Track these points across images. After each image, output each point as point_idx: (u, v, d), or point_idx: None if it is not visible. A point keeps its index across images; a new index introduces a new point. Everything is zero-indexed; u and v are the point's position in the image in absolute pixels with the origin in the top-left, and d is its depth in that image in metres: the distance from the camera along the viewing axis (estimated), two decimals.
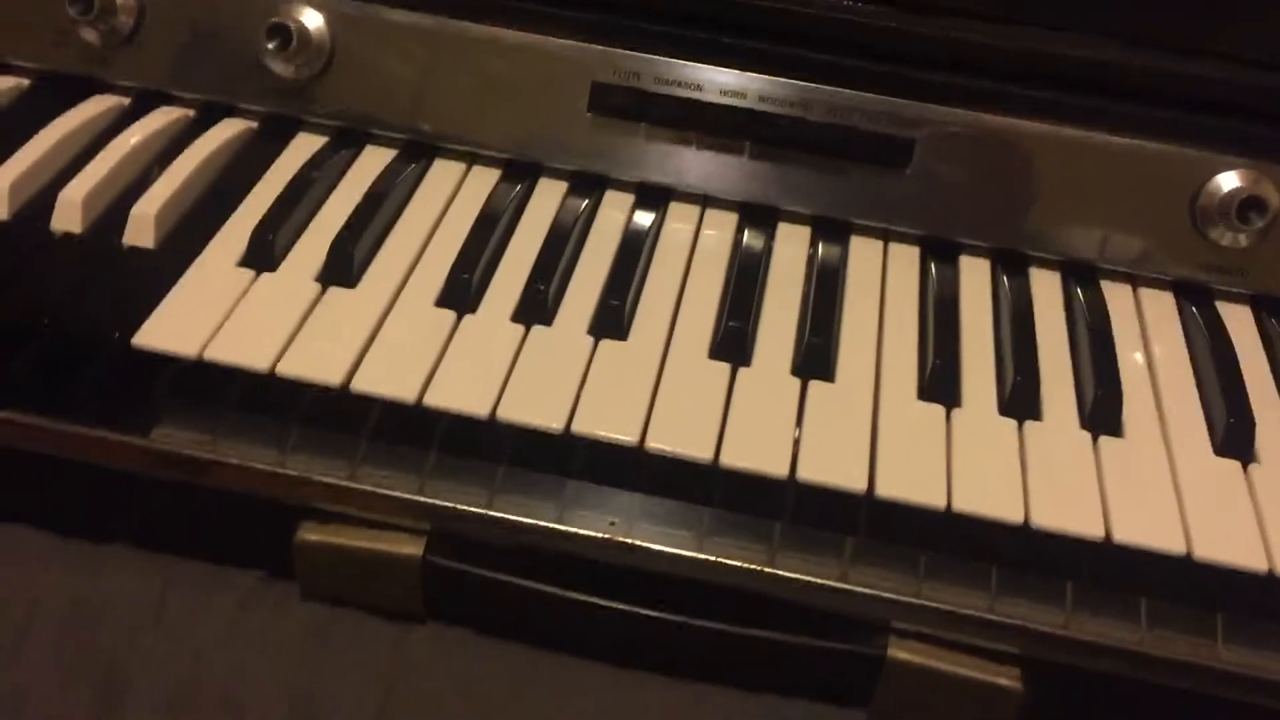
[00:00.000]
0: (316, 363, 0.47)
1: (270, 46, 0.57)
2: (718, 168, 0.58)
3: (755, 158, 0.58)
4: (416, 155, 0.60)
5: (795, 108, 0.57)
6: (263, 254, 0.52)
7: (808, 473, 0.45)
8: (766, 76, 0.57)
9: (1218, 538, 0.44)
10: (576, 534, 0.46)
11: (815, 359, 0.50)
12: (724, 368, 0.50)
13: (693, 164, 0.58)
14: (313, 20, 0.58)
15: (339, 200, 0.56)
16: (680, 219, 0.58)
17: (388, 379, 0.47)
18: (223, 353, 0.48)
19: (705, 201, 0.59)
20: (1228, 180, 0.54)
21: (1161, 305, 0.56)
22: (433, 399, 0.47)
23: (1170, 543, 0.44)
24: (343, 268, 0.52)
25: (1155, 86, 0.55)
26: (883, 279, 0.56)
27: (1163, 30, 0.56)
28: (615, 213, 0.58)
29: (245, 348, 0.48)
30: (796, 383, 0.49)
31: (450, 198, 0.58)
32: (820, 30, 0.56)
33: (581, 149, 0.59)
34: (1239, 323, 0.55)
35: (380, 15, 0.58)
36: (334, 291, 0.51)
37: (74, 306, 0.50)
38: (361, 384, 0.47)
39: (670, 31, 0.57)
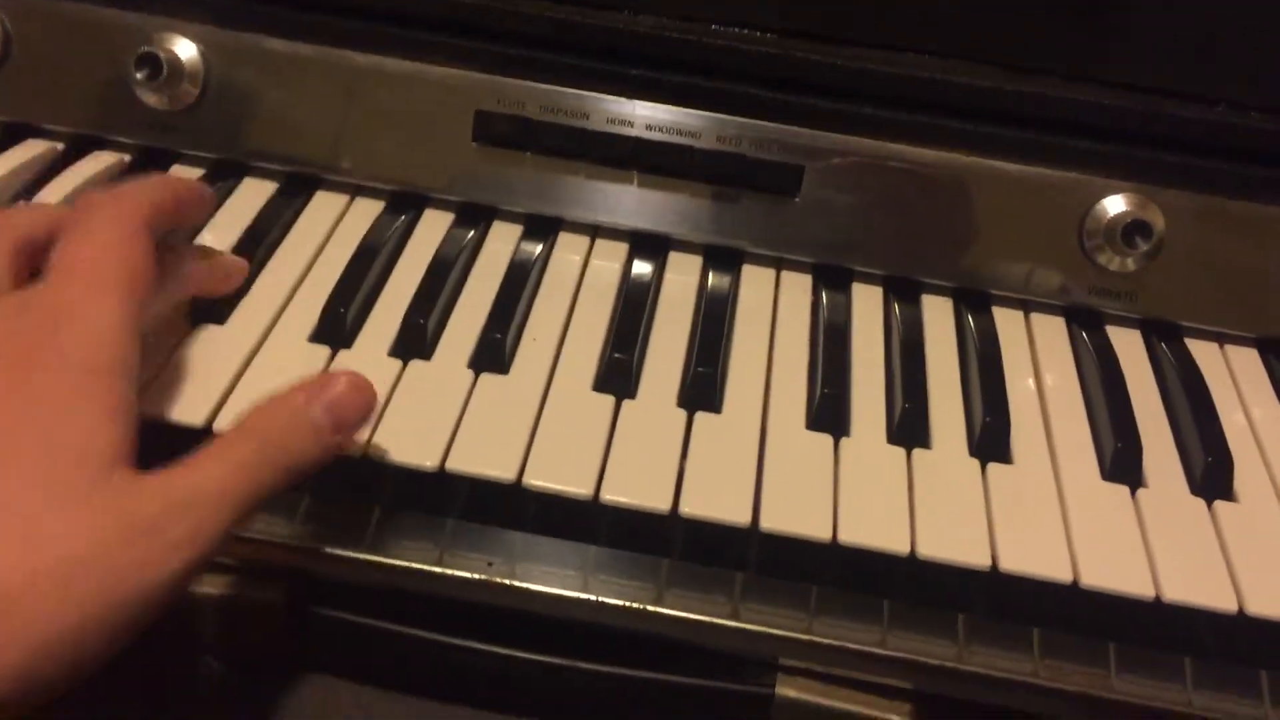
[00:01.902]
0: (178, 403, 0.45)
1: (140, 76, 0.55)
2: (606, 197, 0.57)
3: (644, 186, 0.57)
4: (297, 187, 0.58)
5: (683, 136, 0.56)
6: None
7: (691, 508, 0.44)
8: (654, 104, 0.56)
9: (1105, 565, 0.43)
10: (452, 575, 0.45)
11: (702, 390, 0.49)
12: (608, 400, 0.48)
13: (581, 193, 0.57)
14: (185, 50, 0.56)
15: (212, 235, 0.54)
16: (569, 249, 0.57)
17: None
18: None
19: (595, 231, 0.58)
20: (1114, 204, 0.54)
21: (1052, 330, 0.56)
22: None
23: (1057, 571, 0.43)
24: (212, 303, 0.50)
25: (1042, 112, 0.55)
26: (774, 307, 0.55)
27: (1049, 57, 0.56)
28: (501, 244, 0.57)
29: None
30: (683, 414, 0.48)
31: (330, 230, 0.56)
32: (708, 58, 0.56)
33: (467, 179, 0.57)
34: (1128, 346, 0.55)
35: (257, 44, 0.57)
36: (204, 328, 0.49)
37: None
38: (224, 424, 0.45)
39: (556, 60, 0.56)
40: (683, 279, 0.56)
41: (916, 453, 0.47)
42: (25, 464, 0.34)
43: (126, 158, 0.59)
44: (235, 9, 0.57)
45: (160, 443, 0.38)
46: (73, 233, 0.40)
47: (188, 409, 0.45)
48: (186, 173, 0.58)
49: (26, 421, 0.35)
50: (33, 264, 0.42)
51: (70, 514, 0.34)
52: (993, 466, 0.47)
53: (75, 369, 0.36)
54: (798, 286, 0.57)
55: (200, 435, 0.44)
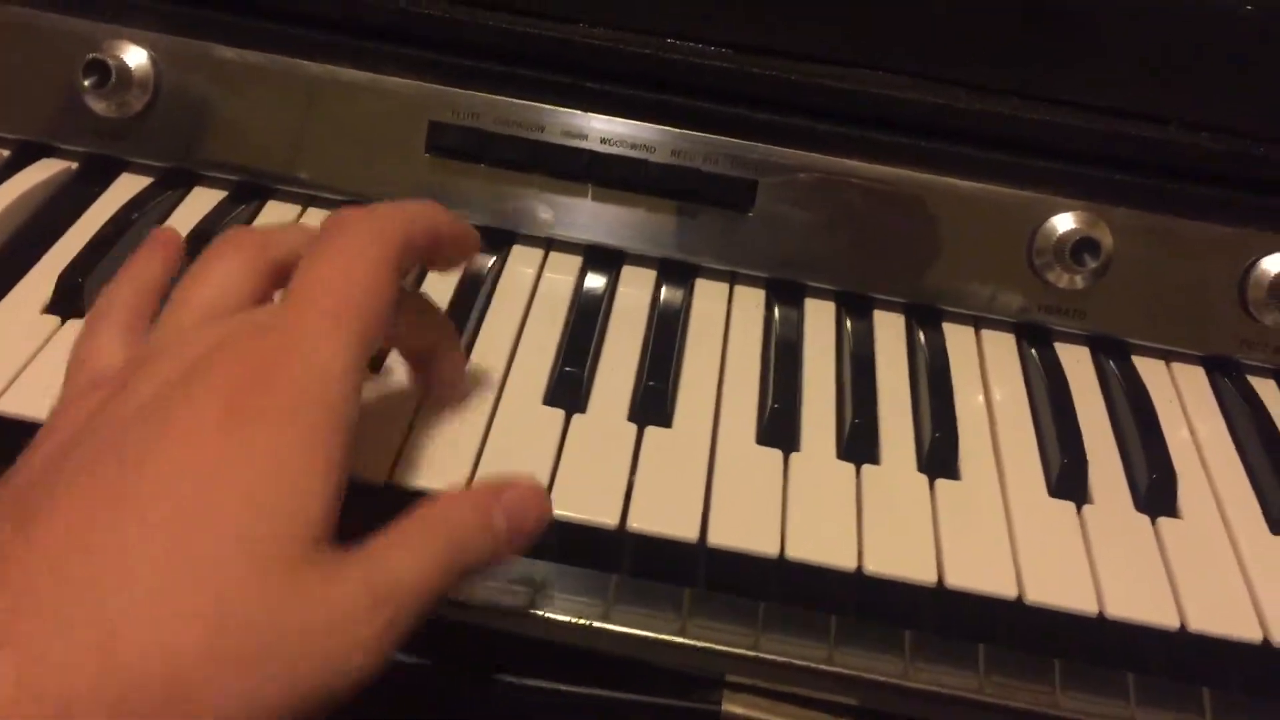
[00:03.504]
0: None
1: (88, 84, 0.55)
2: (561, 210, 0.57)
3: (599, 200, 0.57)
4: (248, 196, 0.58)
5: (638, 149, 0.56)
6: (70, 299, 0.49)
7: (640, 523, 0.44)
8: (609, 117, 0.56)
9: (1050, 581, 0.44)
10: None
11: (652, 404, 0.49)
12: (558, 414, 0.48)
13: (535, 206, 0.57)
14: (135, 57, 0.56)
15: None
16: (522, 262, 0.57)
17: None
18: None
19: (549, 244, 0.58)
20: (1063, 222, 0.54)
21: (1002, 347, 0.56)
22: None
23: (1003, 587, 0.43)
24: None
25: (993, 130, 0.55)
26: (726, 322, 0.55)
27: (1001, 76, 0.56)
28: None
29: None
30: (633, 429, 0.48)
31: None
32: (664, 72, 0.56)
33: (420, 190, 0.57)
34: (1077, 364, 0.55)
35: (208, 52, 0.56)
36: None
37: None
38: None
39: (511, 72, 0.56)
40: (636, 292, 0.56)
41: (865, 468, 0.48)
42: (228, 521, 0.30)
43: (74, 165, 0.58)
44: (186, 16, 0.56)
45: None
46: (318, 254, 0.36)
47: None
48: (136, 180, 0.58)
49: (239, 467, 0.31)
50: (279, 282, 0.39)
51: (271, 594, 0.30)
52: (941, 482, 0.47)
53: (298, 413, 0.32)
54: (751, 301, 0.57)
55: None
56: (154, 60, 0.56)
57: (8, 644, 0.27)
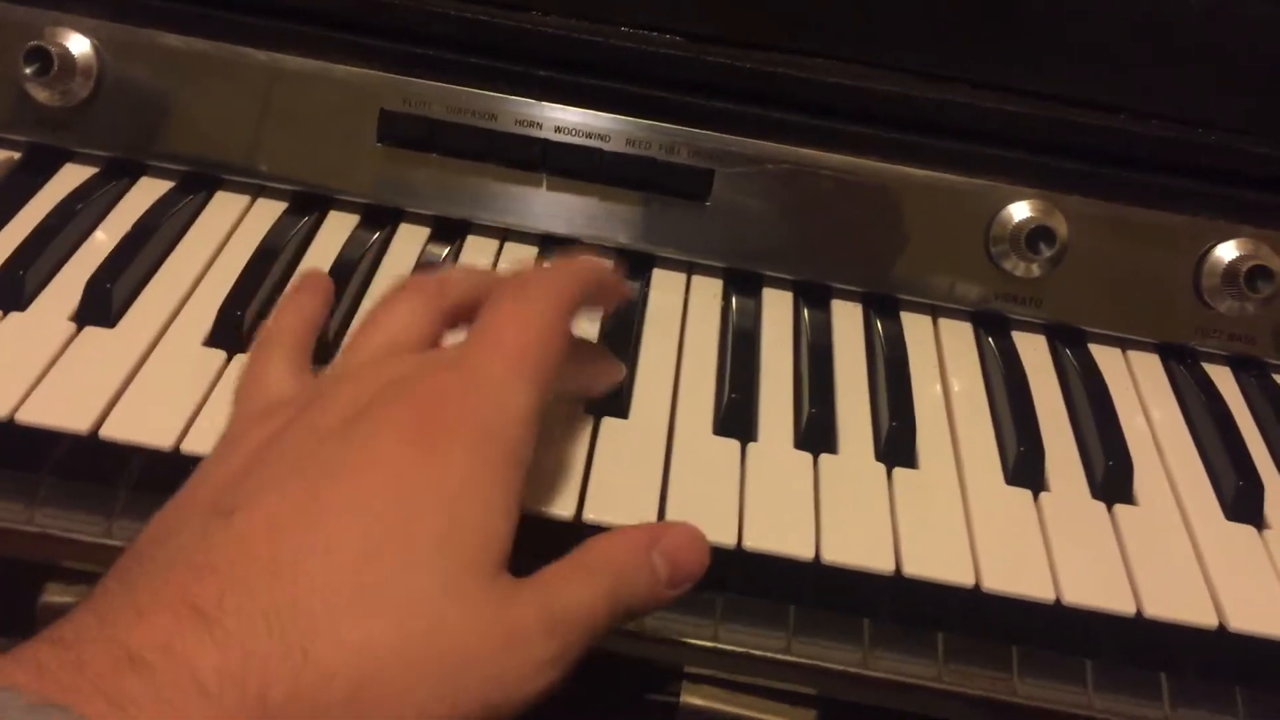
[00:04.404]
0: (63, 409, 0.44)
1: (29, 72, 0.53)
2: (515, 199, 0.56)
3: (553, 189, 0.56)
4: (195, 187, 0.56)
5: (592, 138, 0.55)
6: (11, 291, 0.48)
7: (597, 514, 0.43)
8: (563, 106, 0.55)
9: (1007, 568, 0.44)
10: None
11: (609, 395, 0.48)
12: None
13: (489, 196, 0.56)
14: (78, 45, 0.54)
15: (104, 234, 0.53)
16: (476, 252, 0.56)
17: (144, 424, 0.44)
18: None
19: (504, 234, 0.57)
20: (1019, 211, 0.54)
21: (960, 335, 0.56)
22: (193, 445, 0.43)
23: (960, 575, 0.43)
24: (100, 306, 0.48)
25: (949, 119, 0.55)
26: (684, 312, 0.55)
27: (956, 65, 0.56)
28: (407, 246, 0.56)
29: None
30: (589, 420, 0.47)
31: (230, 231, 0.55)
32: (618, 60, 0.55)
33: (372, 180, 0.56)
34: (1033, 351, 0.55)
35: (153, 40, 0.55)
36: (90, 331, 0.47)
37: None
38: (113, 430, 0.43)
39: (463, 60, 0.55)
40: None
41: (823, 458, 0.47)
42: (425, 531, 0.32)
43: (16, 155, 0.57)
44: (130, 3, 0.55)
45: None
46: (502, 306, 0.38)
47: (74, 415, 0.43)
48: (80, 171, 0.56)
49: (436, 493, 0.32)
50: (453, 325, 0.41)
51: (463, 605, 0.31)
52: (898, 471, 0.47)
53: (486, 449, 0.34)
54: (708, 291, 0.56)
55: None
56: (98, 48, 0.55)
57: (213, 630, 0.28)
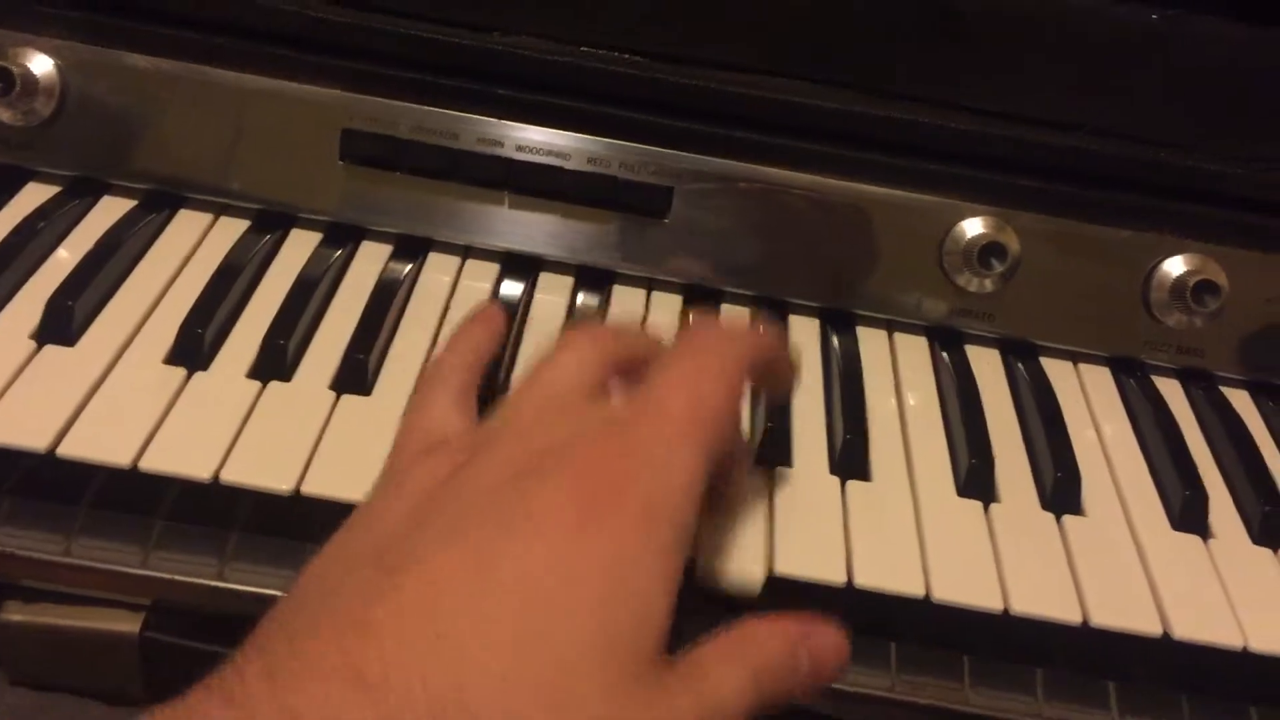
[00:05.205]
0: (21, 427, 0.44)
1: None
2: (477, 217, 0.57)
3: (515, 207, 0.57)
4: (158, 205, 0.57)
5: (553, 157, 0.56)
6: None
7: None
8: (524, 125, 0.56)
9: (957, 579, 0.44)
10: None
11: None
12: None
13: (451, 214, 0.57)
14: (40, 65, 0.55)
15: (66, 253, 0.53)
16: (438, 269, 0.57)
17: (101, 442, 0.44)
18: None
19: (466, 252, 0.58)
20: (972, 227, 0.55)
21: (915, 349, 0.57)
22: (151, 462, 0.44)
23: (911, 586, 0.44)
24: (61, 324, 0.48)
25: (904, 137, 0.56)
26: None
27: (911, 83, 0.57)
28: (369, 264, 0.56)
29: None
30: None
31: (192, 250, 0.55)
32: (578, 80, 0.56)
33: (334, 198, 0.56)
34: (987, 365, 0.56)
35: (116, 60, 0.55)
36: (50, 350, 0.48)
37: None
38: (71, 448, 0.43)
39: (425, 79, 0.56)
40: (553, 299, 0.56)
41: (778, 471, 0.48)
42: (582, 620, 0.31)
43: None
44: (93, 24, 0.55)
45: None
46: (676, 367, 0.37)
47: (29, 433, 0.44)
48: (42, 190, 0.57)
49: (593, 568, 0.32)
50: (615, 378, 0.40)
51: (616, 698, 0.30)
52: (852, 484, 0.48)
53: (651, 529, 0.33)
54: (668, 307, 0.57)
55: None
56: (60, 68, 0.55)
57: (377, 706, 0.28)
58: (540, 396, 0.39)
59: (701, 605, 0.42)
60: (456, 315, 0.54)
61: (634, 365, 0.40)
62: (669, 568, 0.33)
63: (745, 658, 0.35)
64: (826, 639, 0.37)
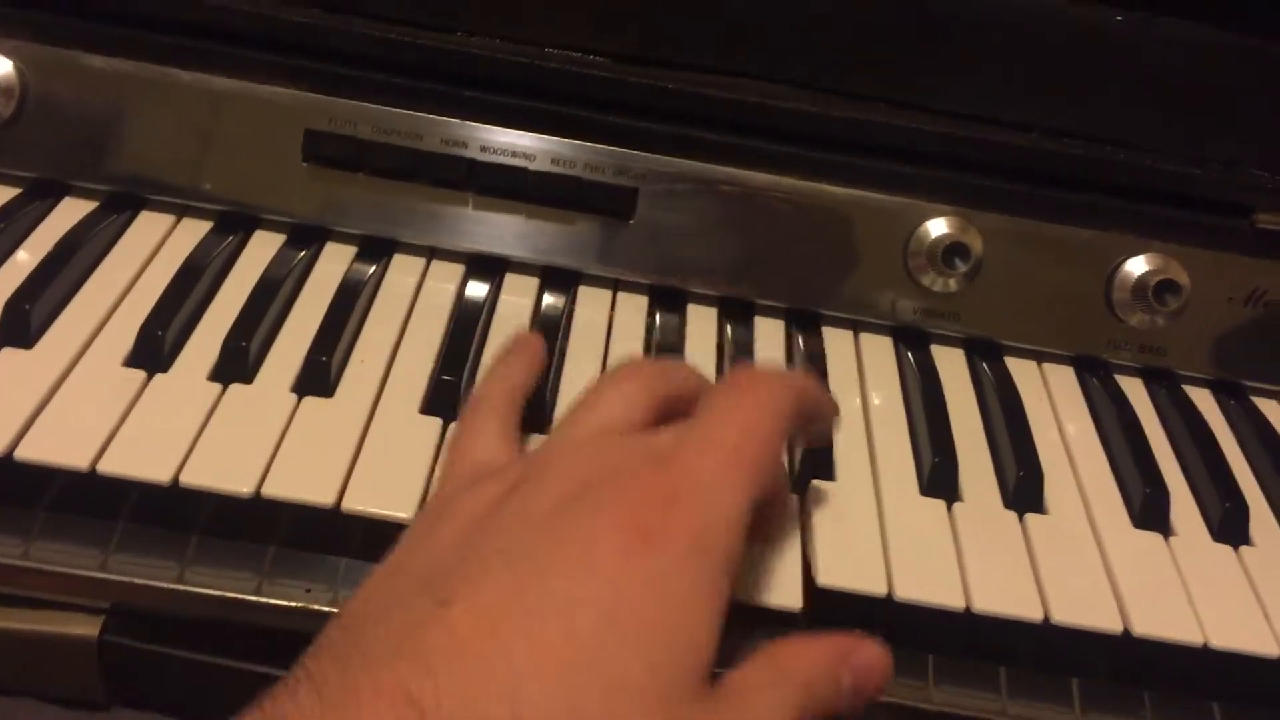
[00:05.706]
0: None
1: None
2: (442, 218, 0.57)
3: (480, 208, 0.57)
4: (120, 206, 0.56)
5: (518, 158, 0.56)
6: None
7: None
8: (488, 126, 0.56)
9: (920, 578, 0.44)
10: (271, 604, 0.44)
11: (532, 411, 0.49)
12: (435, 423, 0.48)
13: (416, 215, 0.57)
14: (0, 66, 0.54)
15: (26, 255, 0.53)
16: (403, 271, 0.56)
17: (59, 445, 0.43)
18: None
19: (431, 253, 0.58)
20: (936, 227, 0.56)
21: (880, 349, 0.57)
22: (110, 465, 0.43)
23: (873, 585, 0.44)
24: (19, 327, 0.48)
25: (867, 138, 0.56)
26: (609, 328, 0.55)
27: (874, 84, 0.57)
28: (333, 265, 0.56)
29: None
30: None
31: (154, 251, 0.55)
32: (542, 81, 0.56)
33: (297, 200, 0.56)
34: (951, 365, 0.56)
35: (76, 61, 0.55)
36: (7, 352, 0.47)
37: None
38: (27, 451, 0.43)
39: (389, 80, 0.56)
40: (518, 300, 0.56)
41: None
42: (631, 648, 0.31)
43: None
44: (53, 24, 0.55)
45: None
46: (722, 405, 0.38)
47: None
48: (3, 192, 0.56)
49: (641, 595, 0.32)
50: (663, 416, 0.40)
51: None
52: (815, 484, 0.48)
53: (699, 560, 0.33)
54: (633, 307, 0.57)
55: None
56: (20, 69, 0.55)
57: (428, 716, 0.29)
58: (588, 428, 0.39)
59: None
60: (420, 316, 0.54)
61: (679, 403, 0.41)
62: (716, 597, 0.33)
63: (789, 680, 0.35)
64: (869, 656, 0.37)
